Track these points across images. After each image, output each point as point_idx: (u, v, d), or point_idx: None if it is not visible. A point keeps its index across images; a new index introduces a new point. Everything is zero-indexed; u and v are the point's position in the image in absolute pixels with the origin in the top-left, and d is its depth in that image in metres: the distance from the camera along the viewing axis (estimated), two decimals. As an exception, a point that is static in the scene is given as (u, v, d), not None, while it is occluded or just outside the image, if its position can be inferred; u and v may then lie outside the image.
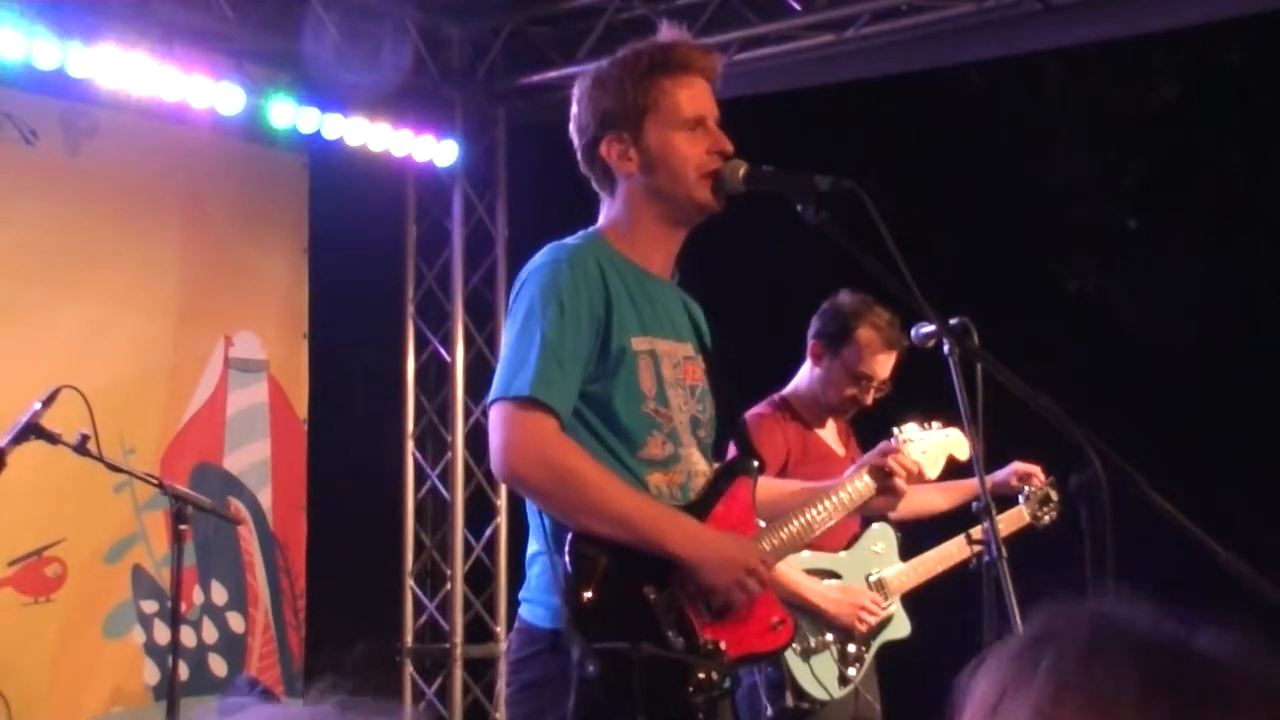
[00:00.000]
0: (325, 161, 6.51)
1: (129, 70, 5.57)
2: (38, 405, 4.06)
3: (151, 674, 5.78)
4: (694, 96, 2.72)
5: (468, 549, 6.90)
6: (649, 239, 2.74)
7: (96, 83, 5.54)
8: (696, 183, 2.69)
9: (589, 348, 2.59)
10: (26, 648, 5.47)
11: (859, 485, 3.08)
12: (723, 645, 2.59)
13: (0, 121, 5.52)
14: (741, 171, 2.69)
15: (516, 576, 7.13)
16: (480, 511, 6.93)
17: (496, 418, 2.58)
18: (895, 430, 3.35)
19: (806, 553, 3.94)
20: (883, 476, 3.10)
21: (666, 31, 2.80)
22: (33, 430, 4.05)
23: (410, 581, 6.90)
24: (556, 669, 2.52)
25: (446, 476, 6.93)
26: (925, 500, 4.15)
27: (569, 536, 2.55)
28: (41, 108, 5.63)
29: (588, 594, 2.52)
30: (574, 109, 2.78)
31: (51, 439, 4.07)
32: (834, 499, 3.02)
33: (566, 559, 2.54)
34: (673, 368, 2.70)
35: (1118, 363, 7.18)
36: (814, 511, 2.97)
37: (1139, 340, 7.21)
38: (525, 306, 2.61)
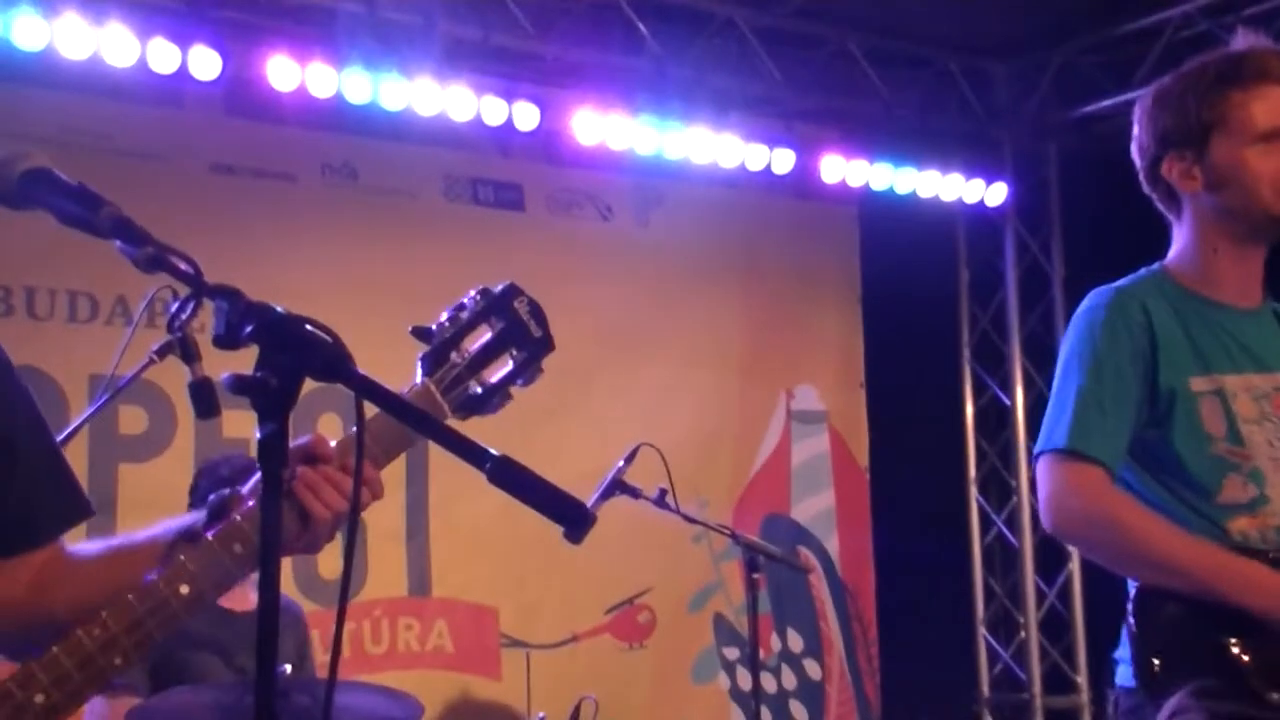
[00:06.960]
0: (874, 211, 6.59)
1: (691, 142, 5.90)
2: (621, 463, 4.36)
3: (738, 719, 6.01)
4: (1271, 108, 2.49)
5: (1040, 596, 6.70)
6: (1219, 263, 2.55)
7: (664, 155, 5.89)
8: (1274, 199, 2.48)
9: (1135, 393, 2.46)
10: (625, 690, 5.82)
11: None
12: None
13: (580, 202, 6.00)
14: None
15: (1094, 625, 6.86)
16: (1051, 557, 6.72)
17: (1040, 471, 2.51)
18: None
19: None
20: None
21: (1242, 39, 2.58)
22: (618, 486, 4.35)
23: (982, 629, 6.79)
24: None
25: (1013, 522, 6.78)
26: None
27: (1133, 591, 2.42)
28: (613, 185, 6.08)
29: (1154, 651, 2.37)
30: (1135, 130, 2.64)
31: (634, 493, 4.35)
32: None
33: (1130, 617, 2.41)
34: (1253, 402, 2.49)
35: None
36: None
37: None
38: (1065, 356, 2.55)
